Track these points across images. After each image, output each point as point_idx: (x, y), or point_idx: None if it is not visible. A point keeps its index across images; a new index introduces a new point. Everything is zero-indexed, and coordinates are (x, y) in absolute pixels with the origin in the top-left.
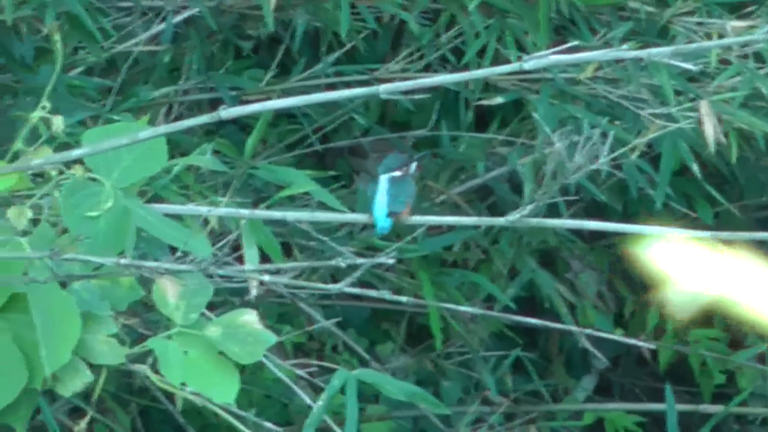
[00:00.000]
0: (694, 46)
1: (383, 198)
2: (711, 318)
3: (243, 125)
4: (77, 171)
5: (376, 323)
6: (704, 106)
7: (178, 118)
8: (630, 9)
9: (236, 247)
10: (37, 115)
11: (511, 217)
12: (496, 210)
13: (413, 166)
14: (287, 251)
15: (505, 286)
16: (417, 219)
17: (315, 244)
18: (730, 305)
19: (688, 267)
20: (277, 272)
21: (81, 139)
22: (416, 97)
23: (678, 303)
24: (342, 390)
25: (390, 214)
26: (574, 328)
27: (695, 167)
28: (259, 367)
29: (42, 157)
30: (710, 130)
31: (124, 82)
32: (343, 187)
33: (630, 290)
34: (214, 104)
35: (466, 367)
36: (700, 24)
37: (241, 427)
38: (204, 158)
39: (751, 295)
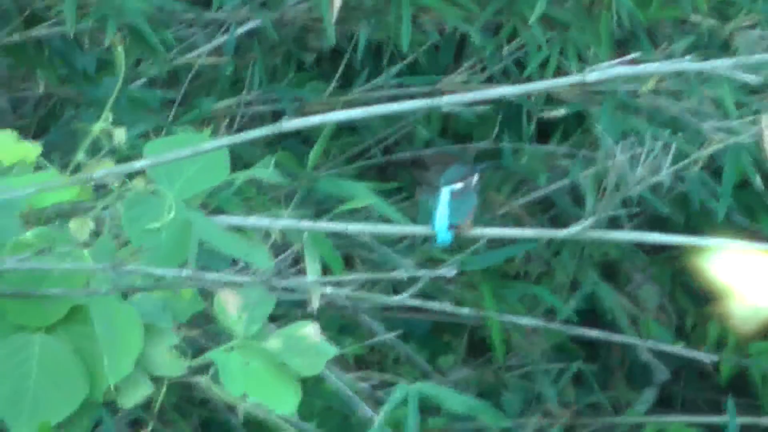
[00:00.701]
0: (755, 58)
1: (444, 210)
2: None
3: (304, 137)
4: (139, 183)
5: (437, 335)
6: (765, 119)
7: (240, 130)
8: (691, 22)
9: (297, 260)
10: (99, 126)
11: (573, 230)
12: (557, 222)
13: (475, 177)
14: (348, 263)
15: (567, 299)
16: (478, 231)
17: (376, 256)
18: None
19: (751, 280)
20: (339, 284)
21: (143, 151)
22: (478, 108)
23: (741, 317)
24: (403, 403)
25: (451, 227)
26: (635, 340)
27: (758, 180)
28: (320, 379)
29: (104, 169)
30: None
31: (186, 94)
32: (405, 200)
33: (691, 303)
34: (276, 116)
35: (527, 380)
36: (762, 37)
37: None
38: (266, 171)
39: None
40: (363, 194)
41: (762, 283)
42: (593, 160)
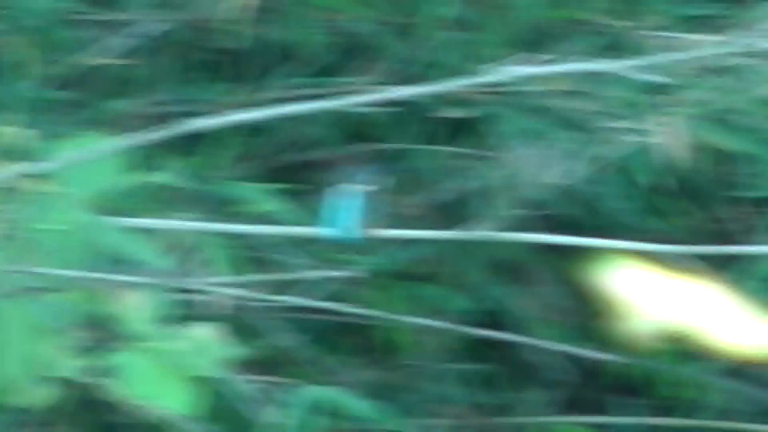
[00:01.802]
0: (661, 59)
1: (346, 211)
2: (675, 332)
3: (214, 138)
4: (37, 184)
5: (342, 337)
6: (673, 121)
7: (147, 132)
8: (597, 23)
9: (198, 261)
10: (3, 128)
11: (479, 231)
12: (461, 223)
13: (380, 180)
14: (248, 265)
15: (469, 300)
16: (379, 232)
17: (278, 257)
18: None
19: (654, 291)
20: (239, 286)
21: (43, 152)
22: (382, 110)
23: (638, 329)
24: (304, 406)
25: (351, 228)
26: (534, 341)
27: (665, 181)
28: (222, 380)
29: (1, 170)
30: (678, 144)
31: (92, 95)
32: (309, 201)
33: (593, 304)
34: (183, 117)
35: (433, 381)
36: (668, 38)
37: None
38: (165, 174)
39: (707, 316)
40: (263, 197)
41: (665, 295)
42: (496, 161)
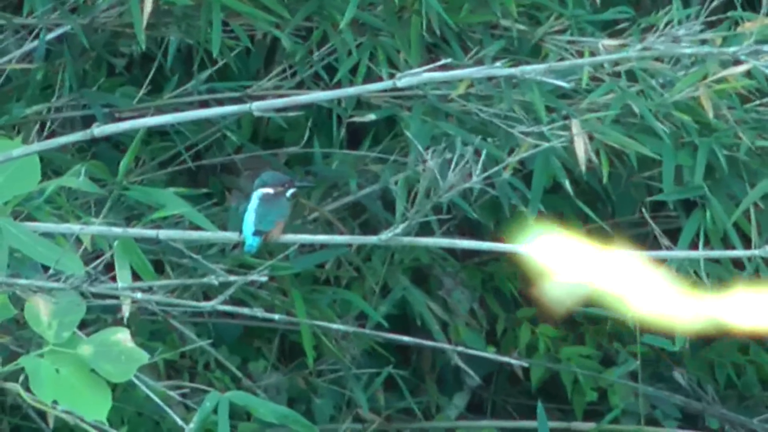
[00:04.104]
0: (566, 63)
1: (252, 216)
2: (583, 336)
3: (116, 142)
4: None
5: (248, 341)
6: (575, 125)
7: (51, 136)
8: (502, 27)
9: (108, 266)
10: None
11: (384, 236)
12: (368, 227)
13: (291, 188)
14: (160, 269)
15: (378, 304)
16: (288, 237)
17: (187, 261)
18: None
19: (565, 259)
20: (150, 290)
21: None
22: (289, 114)
23: (557, 296)
24: (214, 410)
25: (258, 233)
26: (446, 345)
27: (567, 184)
28: (131, 384)
29: None
30: (581, 148)
31: None
32: (216, 205)
33: (502, 308)
34: (87, 122)
35: (338, 385)
36: (572, 42)
37: None
38: (77, 180)
39: (623, 283)
40: (173, 202)
41: (576, 263)
42: (404, 165)
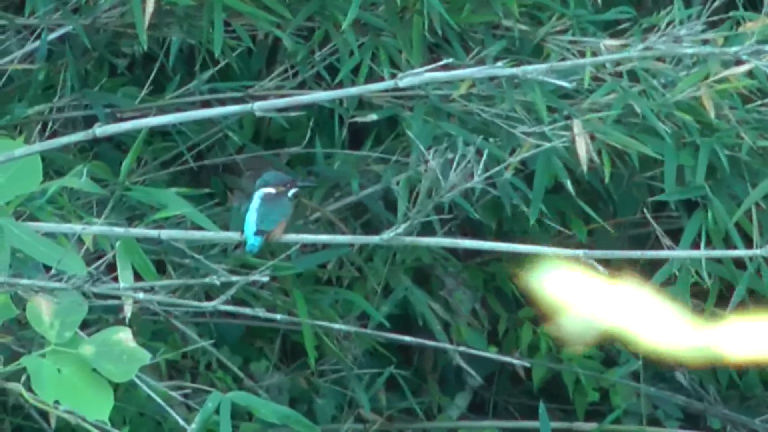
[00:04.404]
0: (568, 63)
1: (254, 216)
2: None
3: (117, 142)
4: None
5: (250, 341)
6: (577, 125)
7: (52, 136)
8: (504, 27)
9: (111, 267)
10: None
11: (385, 236)
12: (370, 227)
13: (293, 188)
14: (162, 269)
15: (379, 304)
16: (290, 237)
17: (189, 261)
18: (608, 326)
19: (576, 294)
20: (151, 290)
21: None
22: (291, 114)
23: (571, 332)
24: (216, 411)
25: (259, 233)
26: (447, 345)
27: (569, 184)
28: (133, 384)
29: None
30: (583, 148)
31: None
32: (218, 205)
33: (504, 308)
34: (88, 122)
35: (340, 385)
36: (573, 42)
37: None
38: (79, 180)
39: (628, 315)
40: (175, 202)
41: (588, 297)
42: (406, 165)
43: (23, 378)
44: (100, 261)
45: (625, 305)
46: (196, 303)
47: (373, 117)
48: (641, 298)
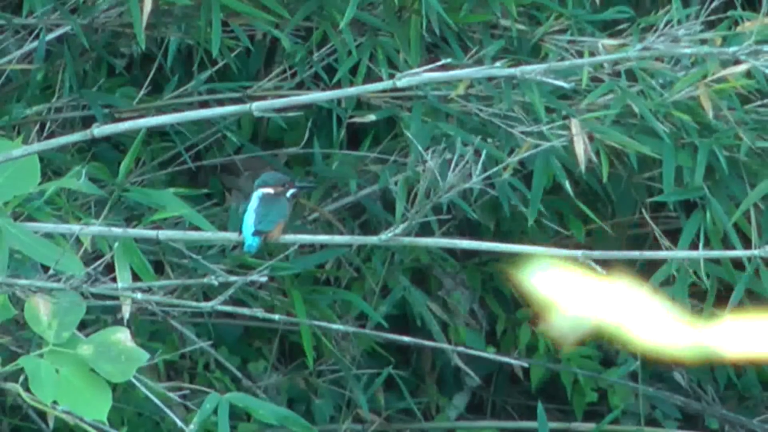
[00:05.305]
0: (566, 63)
1: (252, 216)
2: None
3: (116, 143)
4: None
5: (248, 341)
6: (575, 125)
7: (50, 136)
8: (502, 27)
9: (109, 268)
10: None
11: (384, 236)
12: (368, 228)
13: (291, 189)
14: (160, 270)
15: (378, 304)
16: (288, 237)
17: (187, 262)
18: (605, 325)
19: (570, 292)
20: (149, 290)
21: None
22: (289, 114)
23: (562, 329)
24: (214, 411)
25: (257, 233)
26: (446, 345)
27: (567, 185)
28: (131, 384)
29: None
30: (581, 148)
31: None
32: (216, 205)
33: (502, 308)
34: (87, 122)
35: (338, 385)
36: (572, 42)
37: None
38: (77, 181)
39: (625, 314)
40: (173, 203)
41: (580, 294)
42: (404, 165)
43: (21, 378)
44: (99, 261)
45: (623, 306)
46: (194, 303)
47: (371, 117)
48: (639, 299)
